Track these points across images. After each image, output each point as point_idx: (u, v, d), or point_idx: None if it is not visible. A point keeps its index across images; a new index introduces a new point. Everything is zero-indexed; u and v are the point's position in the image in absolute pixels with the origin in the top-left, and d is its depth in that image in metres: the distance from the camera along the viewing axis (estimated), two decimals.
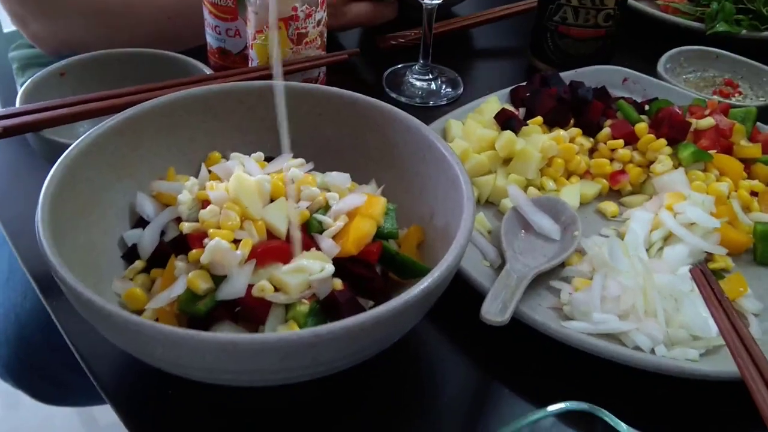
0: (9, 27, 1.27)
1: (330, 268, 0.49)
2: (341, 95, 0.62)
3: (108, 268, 0.54)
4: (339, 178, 0.57)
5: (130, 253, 0.55)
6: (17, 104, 0.65)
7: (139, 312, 0.51)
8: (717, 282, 0.48)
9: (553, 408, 0.44)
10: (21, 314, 0.90)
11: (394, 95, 0.86)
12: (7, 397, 1.50)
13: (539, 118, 0.72)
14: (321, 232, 0.52)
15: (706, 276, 0.48)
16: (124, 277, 0.53)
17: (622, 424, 0.43)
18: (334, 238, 0.52)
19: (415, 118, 0.59)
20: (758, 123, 0.74)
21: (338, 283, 0.49)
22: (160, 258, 0.53)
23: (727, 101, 0.82)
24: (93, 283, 0.51)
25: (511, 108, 0.74)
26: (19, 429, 1.45)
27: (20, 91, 0.67)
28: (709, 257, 0.62)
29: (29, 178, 0.71)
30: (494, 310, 0.51)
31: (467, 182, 0.53)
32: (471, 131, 0.70)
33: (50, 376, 0.94)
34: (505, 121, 0.71)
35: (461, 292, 0.55)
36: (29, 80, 0.68)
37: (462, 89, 0.88)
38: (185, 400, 0.51)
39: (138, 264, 0.53)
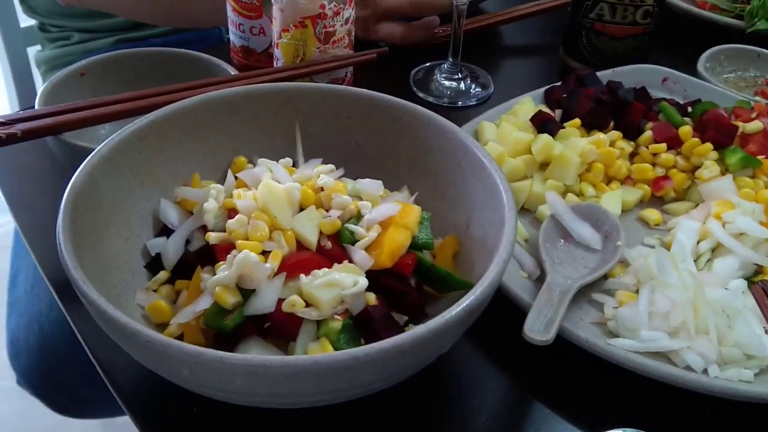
0: (26, 22, 1.26)
1: (363, 282, 0.47)
2: (371, 97, 0.59)
3: (131, 279, 0.51)
4: (371, 186, 0.54)
5: (154, 263, 0.52)
6: (36, 106, 0.63)
7: (164, 325, 0.49)
8: None
9: None
10: (45, 324, 0.89)
11: (421, 95, 0.83)
12: (25, 393, 1.49)
13: (577, 121, 0.68)
14: (353, 242, 0.50)
15: None
16: (148, 289, 0.51)
17: None
18: (367, 249, 0.49)
19: (449, 122, 0.56)
20: None
21: (372, 298, 0.47)
22: (185, 268, 0.51)
23: None
24: (116, 294, 0.49)
25: (546, 109, 0.71)
26: (37, 426, 1.44)
27: (39, 92, 0.64)
28: (760, 269, 0.58)
29: (49, 183, 0.69)
30: (538, 328, 0.49)
31: (507, 191, 0.50)
32: (506, 134, 0.67)
33: (70, 390, 0.92)
34: (541, 123, 0.68)
35: (498, 306, 0.52)
36: (48, 81, 0.66)
37: (492, 89, 0.85)
38: (210, 418, 0.49)
39: (162, 275, 0.51)
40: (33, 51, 1.30)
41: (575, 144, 0.65)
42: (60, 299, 0.58)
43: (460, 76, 0.85)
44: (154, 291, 0.51)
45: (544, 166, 0.66)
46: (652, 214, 0.64)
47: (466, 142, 0.55)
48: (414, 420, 0.49)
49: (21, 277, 0.97)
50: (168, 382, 0.44)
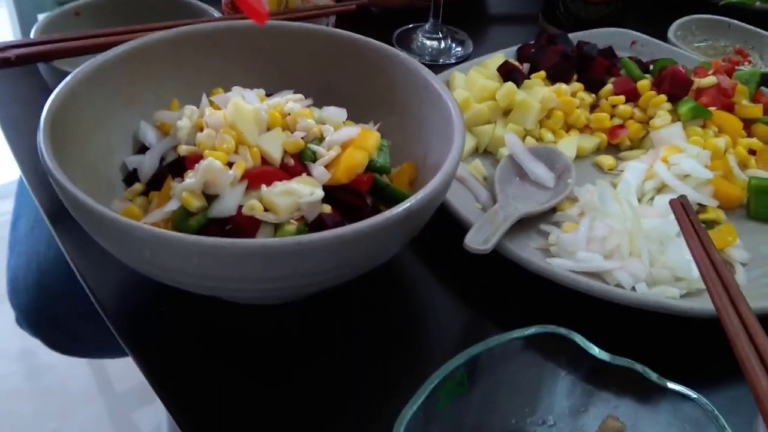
0: None
1: (319, 192, 0.50)
2: (341, 35, 0.63)
3: (108, 191, 0.55)
4: (336, 113, 0.58)
5: (131, 178, 0.56)
6: (31, 37, 0.67)
7: None
8: (696, 214, 0.48)
9: (525, 331, 0.45)
10: (43, 263, 0.93)
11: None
12: (28, 369, 1.55)
13: (542, 73, 0.72)
14: (314, 161, 0.54)
15: (686, 208, 0.48)
16: (124, 198, 0.55)
17: (594, 347, 0.43)
18: (326, 167, 0.53)
19: (414, 60, 0.60)
20: (762, 87, 0.74)
21: (327, 208, 0.51)
22: (159, 181, 0.54)
23: None
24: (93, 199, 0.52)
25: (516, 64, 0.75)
26: (40, 394, 1.49)
27: (35, 26, 0.69)
28: (702, 209, 0.62)
29: (41, 110, 0.73)
30: (478, 240, 0.52)
31: (459, 117, 0.54)
32: (473, 82, 0.71)
33: (67, 327, 0.96)
34: (507, 72, 0.71)
35: (450, 233, 0.56)
36: (44, 17, 0.70)
37: (471, 49, 0.89)
38: (176, 317, 0.53)
39: (137, 186, 0.55)
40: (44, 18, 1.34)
41: (538, 93, 0.69)
42: (47, 215, 0.62)
43: (440, 35, 0.88)
44: (130, 201, 0.55)
45: (508, 113, 0.70)
46: (607, 160, 0.67)
47: (427, 77, 0.58)
48: (362, 324, 0.53)
49: (22, 220, 1.01)
50: (141, 288, 0.48)
